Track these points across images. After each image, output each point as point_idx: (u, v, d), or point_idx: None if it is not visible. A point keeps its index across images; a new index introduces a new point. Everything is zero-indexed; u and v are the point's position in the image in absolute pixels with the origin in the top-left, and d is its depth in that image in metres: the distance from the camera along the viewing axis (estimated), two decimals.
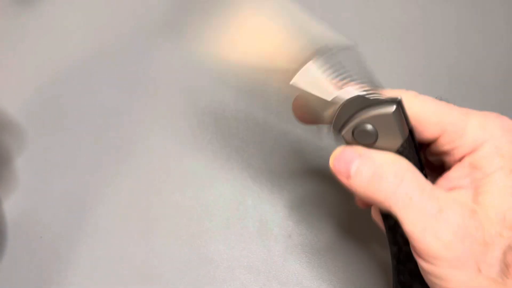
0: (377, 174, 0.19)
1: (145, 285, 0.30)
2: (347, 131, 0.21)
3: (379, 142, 0.21)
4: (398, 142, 0.21)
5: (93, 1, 0.41)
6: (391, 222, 0.22)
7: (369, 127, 0.20)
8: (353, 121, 0.21)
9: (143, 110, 0.36)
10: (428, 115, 0.21)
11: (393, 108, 0.20)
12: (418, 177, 0.19)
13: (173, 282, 0.30)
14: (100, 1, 0.41)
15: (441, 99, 0.23)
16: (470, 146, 0.20)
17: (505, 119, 0.20)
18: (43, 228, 0.32)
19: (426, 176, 0.20)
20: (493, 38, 0.39)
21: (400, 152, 0.21)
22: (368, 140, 0.21)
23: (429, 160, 0.24)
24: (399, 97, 0.20)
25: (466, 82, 0.37)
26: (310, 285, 0.30)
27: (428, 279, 0.19)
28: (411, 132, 0.21)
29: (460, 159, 0.21)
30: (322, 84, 0.21)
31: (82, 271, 0.30)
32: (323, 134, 0.22)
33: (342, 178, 0.20)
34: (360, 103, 0.20)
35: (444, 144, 0.21)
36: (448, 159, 0.21)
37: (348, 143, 0.21)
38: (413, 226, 0.18)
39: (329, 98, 0.21)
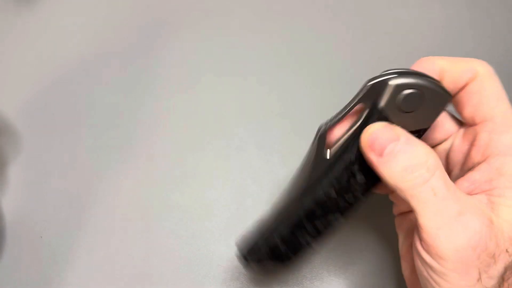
0: (413, 165, 0.18)
1: (145, 285, 0.30)
2: (398, 85, 0.20)
3: (413, 115, 0.20)
4: (425, 125, 0.20)
5: (92, 1, 0.41)
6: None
7: (418, 94, 0.19)
8: (411, 79, 0.20)
9: (143, 110, 0.36)
10: (492, 95, 0.20)
11: (450, 97, 0.20)
12: (445, 174, 0.19)
13: (173, 282, 0.30)
14: (99, 1, 0.41)
15: None
16: (505, 147, 0.19)
17: None
18: (43, 228, 0.32)
19: None
20: (493, 38, 0.39)
21: (417, 133, 0.20)
22: (408, 107, 0.20)
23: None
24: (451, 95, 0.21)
25: None
26: (310, 285, 0.30)
27: (426, 270, 0.19)
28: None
29: (485, 158, 0.20)
30: None
31: (82, 271, 0.30)
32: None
33: (372, 155, 0.20)
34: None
35: (485, 131, 0.20)
36: (474, 152, 0.21)
37: (385, 102, 0.20)
38: (430, 221, 0.18)
39: None
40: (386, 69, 0.20)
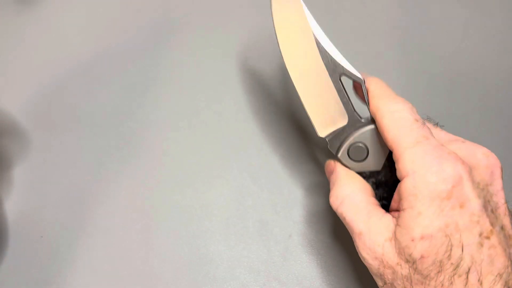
0: (335, 195, 0.25)
1: (145, 285, 0.30)
2: (342, 151, 0.25)
3: (369, 158, 0.25)
4: (384, 157, 0.25)
5: (92, 1, 0.41)
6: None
7: (360, 145, 0.25)
8: (347, 141, 0.25)
9: (144, 110, 0.36)
10: (389, 130, 0.23)
11: (373, 125, 0.24)
12: (354, 202, 0.24)
13: (173, 282, 0.30)
14: (99, 1, 0.41)
15: (429, 120, 0.25)
16: (399, 173, 0.22)
17: (440, 160, 0.21)
18: (43, 228, 0.32)
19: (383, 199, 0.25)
20: (493, 38, 0.39)
21: (385, 166, 0.25)
22: (360, 157, 0.25)
23: None
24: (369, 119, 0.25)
25: (466, 82, 0.37)
26: (310, 285, 0.30)
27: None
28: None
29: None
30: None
31: (82, 271, 0.31)
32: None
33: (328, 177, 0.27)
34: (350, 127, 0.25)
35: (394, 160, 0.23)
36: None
37: (343, 161, 0.26)
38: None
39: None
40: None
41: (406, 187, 0.21)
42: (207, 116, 0.36)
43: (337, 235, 0.31)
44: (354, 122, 0.25)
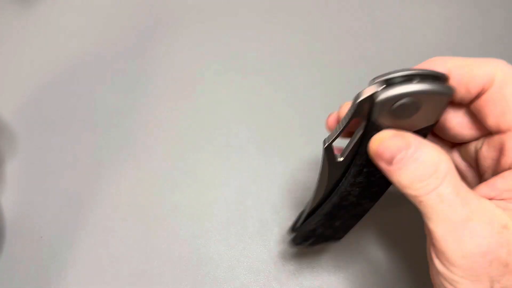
0: (422, 174, 0.18)
1: (145, 285, 0.30)
2: (385, 100, 0.19)
3: (414, 118, 0.19)
4: (430, 122, 0.20)
5: (92, 1, 0.41)
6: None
7: (411, 102, 0.19)
8: (399, 90, 0.18)
9: (143, 110, 0.36)
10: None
11: (452, 91, 0.19)
12: (455, 178, 0.18)
13: (173, 282, 0.30)
14: (99, 2, 0.41)
15: None
16: None
17: None
18: (43, 228, 0.32)
19: None
20: (493, 38, 0.39)
21: (423, 130, 0.20)
22: (404, 115, 0.19)
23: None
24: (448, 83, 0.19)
25: None
26: (310, 285, 0.30)
27: (438, 279, 0.19)
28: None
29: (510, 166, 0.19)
30: None
31: (82, 271, 0.31)
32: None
33: (382, 163, 0.19)
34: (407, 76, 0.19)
35: (510, 140, 0.19)
36: (503, 159, 0.20)
37: (381, 113, 0.19)
38: (437, 227, 0.18)
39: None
40: (378, 75, 0.19)
41: None
42: (206, 116, 0.36)
43: None
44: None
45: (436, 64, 0.20)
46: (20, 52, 0.39)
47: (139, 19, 0.40)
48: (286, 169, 0.34)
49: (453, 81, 0.20)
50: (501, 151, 0.20)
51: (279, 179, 0.33)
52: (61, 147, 0.35)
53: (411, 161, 0.18)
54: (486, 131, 0.21)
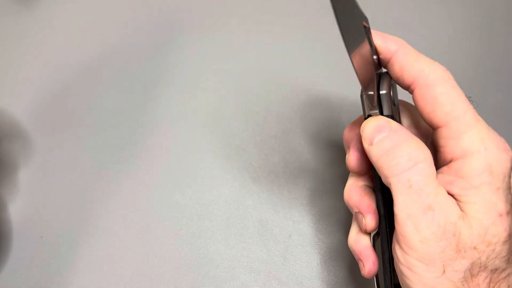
0: (394, 149, 0.20)
1: (145, 285, 0.30)
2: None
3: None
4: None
5: (92, 1, 0.41)
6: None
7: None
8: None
9: (144, 111, 0.36)
10: (445, 102, 0.21)
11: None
12: (429, 169, 0.20)
13: (173, 282, 0.30)
14: (99, 1, 0.41)
15: (469, 99, 0.23)
16: (461, 150, 0.20)
17: (502, 140, 0.21)
18: (43, 228, 0.32)
19: None
20: (493, 38, 0.39)
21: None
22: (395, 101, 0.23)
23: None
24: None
25: (466, 82, 0.37)
26: (310, 285, 0.30)
27: (397, 266, 0.20)
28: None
29: (448, 161, 0.21)
30: None
31: (83, 271, 0.31)
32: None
33: (365, 143, 0.22)
34: None
35: (442, 137, 0.21)
36: (439, 155, 0.22)
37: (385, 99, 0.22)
38: (401, 211, 0.20)
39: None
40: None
41: (477, 164, 0.20)
42: (207, 116, 0.36)
43: (337, 235, 0.31)
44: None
45: (389, 41, 0.23)
46: (19, 52, 0.39)
47: (139, 19, 0.40)
48: (286, 169, 0.34)
49: (394, 59, 0.22)
50: (435, 147, 0.22)
51: (279, 179, 0.33)
52: (61, 147, 0.35)
53: (387, 139, 0.21)
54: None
